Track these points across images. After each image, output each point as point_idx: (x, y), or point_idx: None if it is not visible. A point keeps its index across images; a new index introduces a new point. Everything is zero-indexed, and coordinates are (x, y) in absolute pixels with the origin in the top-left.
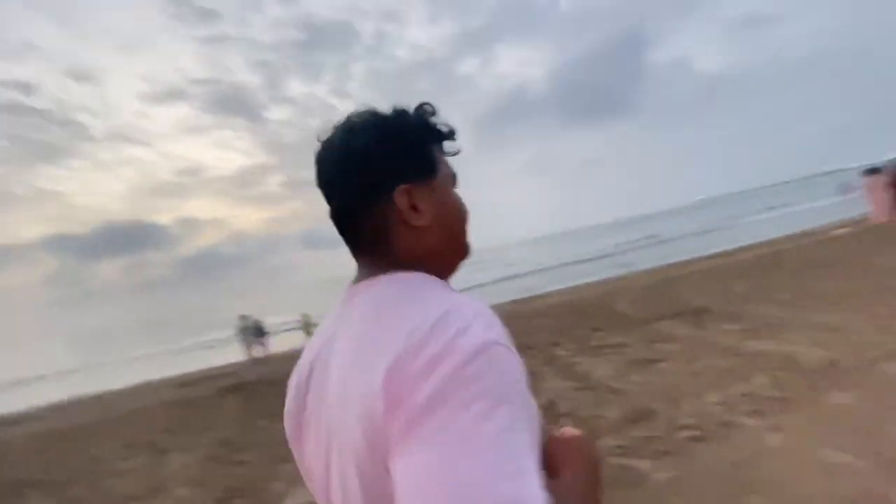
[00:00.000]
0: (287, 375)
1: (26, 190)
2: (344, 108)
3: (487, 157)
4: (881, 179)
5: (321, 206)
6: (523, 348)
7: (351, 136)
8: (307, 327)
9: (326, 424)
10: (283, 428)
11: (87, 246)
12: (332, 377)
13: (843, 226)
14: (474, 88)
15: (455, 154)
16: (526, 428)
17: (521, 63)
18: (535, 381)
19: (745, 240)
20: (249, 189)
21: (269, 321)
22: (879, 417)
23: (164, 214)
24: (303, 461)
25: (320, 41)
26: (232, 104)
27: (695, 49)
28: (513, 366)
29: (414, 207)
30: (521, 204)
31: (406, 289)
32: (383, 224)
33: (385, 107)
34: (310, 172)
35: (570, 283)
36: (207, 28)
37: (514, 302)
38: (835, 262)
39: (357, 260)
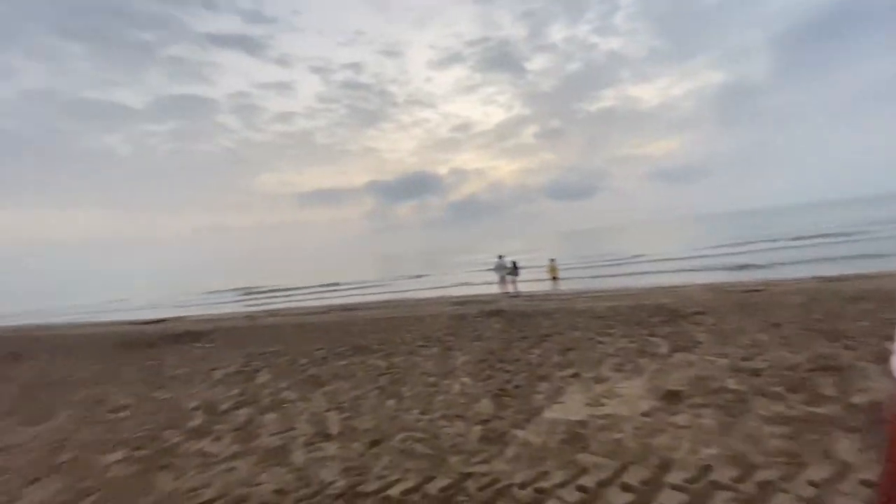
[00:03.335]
0: (536, 311)
1: (356, 147)
2: (607, 47)
3: (793, 87)
4: None
5: (567, 157)
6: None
7: None
8: (553, 271)
9: None
10: (538, 353)
11: (392, 190)
12: None
13: None
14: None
15: None
16: None
17: None
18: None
19: None
20: (506, 141)
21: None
22: None
23: (441, 166)
24: None
25: None
26: (498, 60)
27: None
28: None
29: None
30: (850, 148)
31: None
32: None
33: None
34: (561, 122)
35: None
36: None
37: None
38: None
39: None
